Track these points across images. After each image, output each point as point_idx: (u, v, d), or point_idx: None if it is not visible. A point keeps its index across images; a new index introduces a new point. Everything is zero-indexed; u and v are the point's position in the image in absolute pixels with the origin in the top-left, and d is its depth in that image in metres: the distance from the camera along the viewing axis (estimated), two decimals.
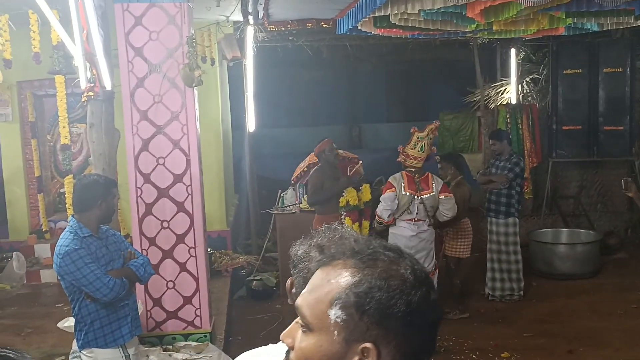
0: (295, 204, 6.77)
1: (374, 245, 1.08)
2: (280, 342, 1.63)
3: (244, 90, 9.65)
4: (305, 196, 6.78)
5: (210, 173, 7.09)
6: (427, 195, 5.02)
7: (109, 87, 3.78)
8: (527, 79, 8.65)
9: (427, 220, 5.07)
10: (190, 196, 4.53)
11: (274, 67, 11.51)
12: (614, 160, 7.88)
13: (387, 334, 0.96)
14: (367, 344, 0.96)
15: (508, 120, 7.91)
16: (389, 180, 5.13)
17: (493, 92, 9.84)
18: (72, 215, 3.05)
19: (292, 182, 7.00)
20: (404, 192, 5.00)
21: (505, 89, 8.87)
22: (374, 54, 11.66)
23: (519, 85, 8.56)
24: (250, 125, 7.77)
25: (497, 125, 7.99)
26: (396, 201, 5.00)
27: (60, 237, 2.97)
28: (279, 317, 5.84)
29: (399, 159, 5.15)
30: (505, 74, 8.86)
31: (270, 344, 1.67)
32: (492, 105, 8.68)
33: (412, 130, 5.12)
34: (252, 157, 8.18)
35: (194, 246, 4.54)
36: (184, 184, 4.51)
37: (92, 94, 3.66)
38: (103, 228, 3.13)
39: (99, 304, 3.00)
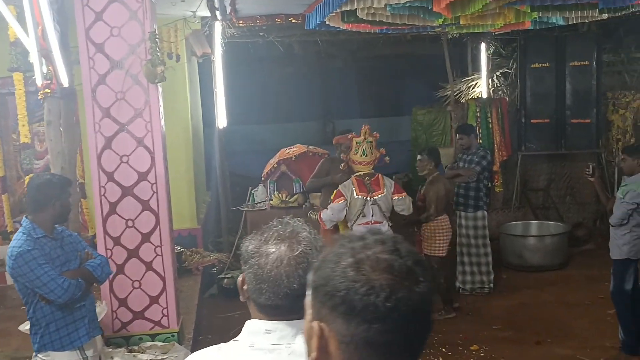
0: (265, 201, 6.73)
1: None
2: (231, 341, 1.60)
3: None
4: (275, 192, 6.75)
5: (179, 170, 7.01)
6: (379, 196, 4.95)
7: (66, 84, 3.69)
8: (498, 73, 8.72)
9: (385, 221, 5.00)
10: (155, 194, 4.45)
11: (245, 64, 11.43)
12: (582, 152, 7.97)
13: (329, 316, 1.00)
14: (314, 323, 1.02)
15: (478, 114, 7.96)
16: (339, 188, 5.02)
17: (464, 87, 9.91)
18: (26, 216, 2.97)
19: (263, 178, 6.97)
20: (356, 196, 4.93)
21: (476, 83, 8.93)
22: (345, 50, 11.65)
23: (490, 80, 8.62)
24: (221, 122, 7.69)
25: (468, 119, 8.04)
26: (344, 211, 4.95)
27: (13, 238, 2.90)
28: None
29: (342, 166, 5.19)
30: (476, 69, 8.92)
31: (222, 343, 1.63)
32: (463, 100, 8.74)
33: (349, 137, 5.11)
34: (222, 154, 8.10)
35: (160, 245, 4.47)
36: (149, 182, 4.43)
37: (48, 91, 3.57)
38: (59, 229, 3.06)
39: (54, 306, 2.93)
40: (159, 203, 4.47)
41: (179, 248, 6.62)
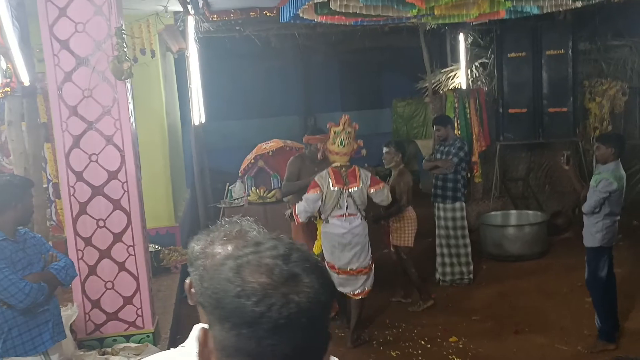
0: (243, 197, 6.67)
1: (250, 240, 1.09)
2: (179, 347, 1.56)
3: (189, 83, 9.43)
4: (253, 188, 6.69)
5: (155, 168, 6.93)
6: (354, 189, 4.88)
7: (27, 82, 3.60)
8: (477, 64, 8.70)
9: (359, 214, 4.94)
10: (126, 193, 4.38)
11: (222, 59, 11.34)
12: (560, 141, 7.99)
13: (210, 321, 0.96)
14: (200, 328, 1.00)
15: (456, 105, 7.94)
16: (315, 179, 4.94)
17: (444, 78, 9.90)
18: None
19: (240, 174, 6.90)
20: (332, 188, 4.86)
21: (455, 74, 8.91)
22: (324, 43, 11.58)
23: (469, 70, 8.60)
24: (196, 118, 7.60)
25: (446, 110, 8.02)
26: (319, 202, 4.88)
27: None
28: None
29: (319, 156, 5.15)
30: (456, 59, 8.90)
31: (171, 349, 1.59)
32: (442, 91, 8.72)
33: (328, 126, 5.02)
34: (198, 150, 8.01)
35: (132, 244, 4.40)
36: (120, 180, 4.36)
37: (8, 89, 3.48)
38: (22, 231, 2.98)
39: (16, 311, 2.85)
40: (130, 202, 4.40)
41: (156, 247, 6.55)
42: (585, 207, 4.60)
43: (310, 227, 5.37)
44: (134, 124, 4.50)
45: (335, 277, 5.03)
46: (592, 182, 4.61)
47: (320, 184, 4.90)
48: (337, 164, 4.93)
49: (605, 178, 4.46)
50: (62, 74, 4.18)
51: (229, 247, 1.43)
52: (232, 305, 0.90)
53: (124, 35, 4.20)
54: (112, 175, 4.34)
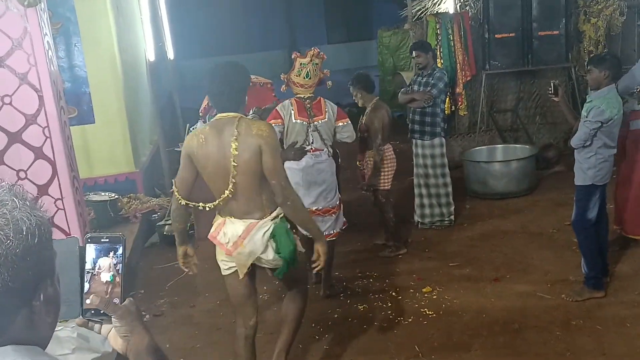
0: None
1: None
2: None
3: (159, 16, 8.78)
4: None
5: (109, 109, 6.36)
6: (320, 122, 4.38)
7: None
8: None
9: (325, 149, 4.44)
10: (49, 139, 3.84)
11: None
12: (551, 68, 7.35)
13: None
14: None
15: (438, 31, 7.27)
16: (276, 108, 4.42)
17: (430, 3, 9.17)
18: None
19: (201, 114, 6.33)
20: (294, 120, 4.34)
21: None
22: None
23: None
24: (150, 53, 6.96)
25: (427, 37, 7.34)
26: (280, 135, 4.37)
27: None
28: None
29: (283, 88, 4.56)
30: None
31: None
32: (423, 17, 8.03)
33: (293, 56, 4.46)
34: (161, 90, 7.42)
35: (60, 197, 3.89)
36: (40, 125, 3.80)
37: None
38: None
39: None
40: (54, 149, 3.86)
41: (113, 195, 6.08)
42: (573, 140, 4.06)
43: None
44: (53, 59, 3.91)
45: None
46: (583, 112, 4.06)
47: (283, 114, 4.39)
48: (301, 95, 4.41)
49: (597, 106, 3.90)
50: None
51: None
52: None
53: None
54: (31, 120, 3.79)
